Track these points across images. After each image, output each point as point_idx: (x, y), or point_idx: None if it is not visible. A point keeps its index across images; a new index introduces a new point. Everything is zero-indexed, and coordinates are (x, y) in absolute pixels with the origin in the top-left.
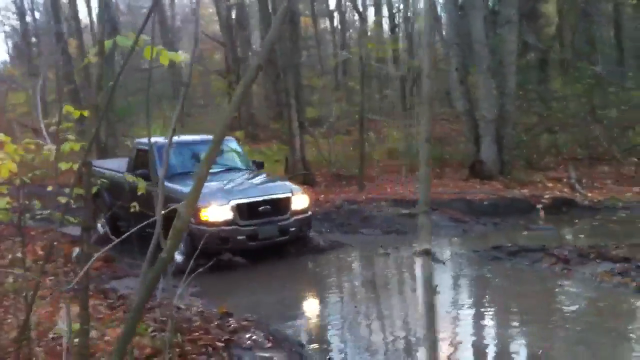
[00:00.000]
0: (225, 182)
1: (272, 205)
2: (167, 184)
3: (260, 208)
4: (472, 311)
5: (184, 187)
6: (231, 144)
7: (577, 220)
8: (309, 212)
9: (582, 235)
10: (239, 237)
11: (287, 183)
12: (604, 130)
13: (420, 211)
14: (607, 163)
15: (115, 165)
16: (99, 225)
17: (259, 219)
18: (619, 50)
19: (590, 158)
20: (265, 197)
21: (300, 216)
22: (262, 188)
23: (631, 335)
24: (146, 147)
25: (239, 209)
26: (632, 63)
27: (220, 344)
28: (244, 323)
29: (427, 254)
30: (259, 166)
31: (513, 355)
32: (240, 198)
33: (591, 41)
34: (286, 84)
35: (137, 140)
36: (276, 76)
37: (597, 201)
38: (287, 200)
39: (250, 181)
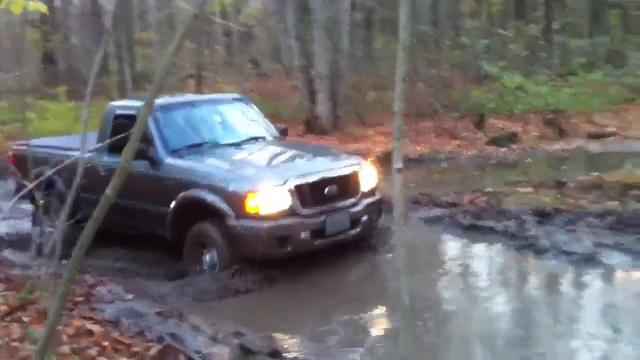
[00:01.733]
0: (264, 155)
1: (339, 184)
2: (178, 162)
3: (326, 189)
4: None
5: (202, 166)
6: (246, 104)
7: (405, 171)
8: (379, 194)
9: (412, 185)
10: (303, 235)
11: (346, 153)
12: (426, 88)
13: (394, 137)
14: (430, 118)
15: (70, 144)
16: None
17: (325, 206)
18: (434, 11)
19: (415, 114)
20: (332, 174)
21: (370, 199)
22: (319, 161)
23: (454, 270)
24: (132, 112)
25: (299, 192)
26: (447, 24)
27: (80, 299)
28: (101, 279)
29: (400, 172)
30: (284, 132)
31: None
32: (300, 176)
33: (413, 1)
34: (117, 37)
35: (113, 103)
36: (101, 27)
37: (423, 153)
38: (356, 177)
39: (294, 152)
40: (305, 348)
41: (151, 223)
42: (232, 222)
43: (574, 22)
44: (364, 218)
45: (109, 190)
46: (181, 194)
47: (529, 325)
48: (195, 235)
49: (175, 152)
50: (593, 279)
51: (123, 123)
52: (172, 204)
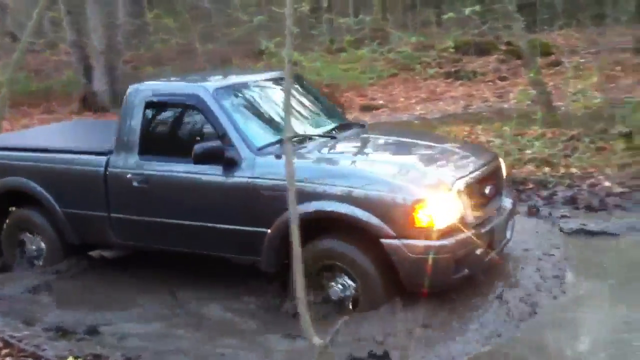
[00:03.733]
0: (386, 148)
1: (493, 181)
2: (277, 163)
3: (487, 189)
4: None
5: (325, 167)
6: (302, 83)
7: None
8: (510, 190)
9: None
10: (478, 252)
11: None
12: (205, 63)
13: (285, 110)
14: None
15: (44, 140)
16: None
17: (487, 209)
18: None
19: None
20: (488, 168)
21: (509, 198)
22: (460, 151)
23: None
24: (179, 99)
25: (468, 194)
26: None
27: None
28: None
29: (290, 140)
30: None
31: None
32: (465, 173)
33: None
34: None
35: (143, 85)
36: None
37: None
38: (501, 170)
39: (416, 141)
40: None
41: (235, 248)
42: (393, 243)
43: (341, 1)
44: (511, 222)
45: None
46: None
47: None
48: (314, 260)
49: (263, 150)
50: None
51: (162, 112)
52: (278, 222)
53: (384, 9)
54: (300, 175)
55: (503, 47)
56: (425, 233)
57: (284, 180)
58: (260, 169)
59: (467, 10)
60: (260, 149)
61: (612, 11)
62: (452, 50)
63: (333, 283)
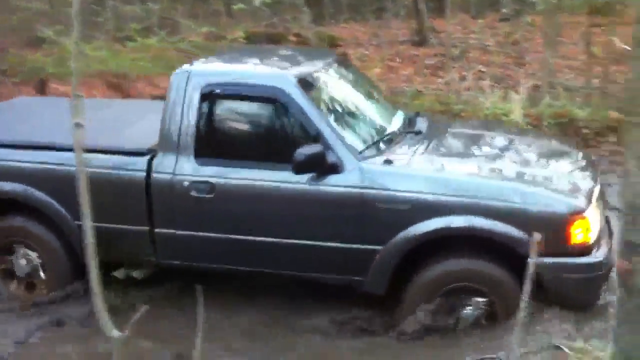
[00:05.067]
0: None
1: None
2: (389, 170)
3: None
4: None
5: (452, 174)
6: (350, 66)
7: None
8: None
9: None
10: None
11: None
12: None
13: (73, 95)
14: None
15: (41, 134)
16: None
17: (603, 213)
18: None
19: None
20: (598, 164)
21: None
22: (565, 151)
23: None
24: (257, 91)
25: (601, 206)
26: None
27: None
28: None
29: (79, 126)
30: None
31: None
32: (594, 176)
33: None
34: None
35: (195, 68)
36: None
37: None
38: None
39: (506, 137)
40: None
41: (331, 268)
42: (544, 262)
43: None
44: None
45: None
46: (428, 223)
47: None
48: (445, 283)
49: (364, 153)
50: None
51: (225, 105)
52: (395, 239)
53: None
54: (418, 186)
55: (293, 39)
56: (579, 249)
57: (402, 191)
58: (369, 177)
59: (257, 2)
60: (361, 152)
61: (391, 6)
62: (243, 40)
63: (466, 306)
